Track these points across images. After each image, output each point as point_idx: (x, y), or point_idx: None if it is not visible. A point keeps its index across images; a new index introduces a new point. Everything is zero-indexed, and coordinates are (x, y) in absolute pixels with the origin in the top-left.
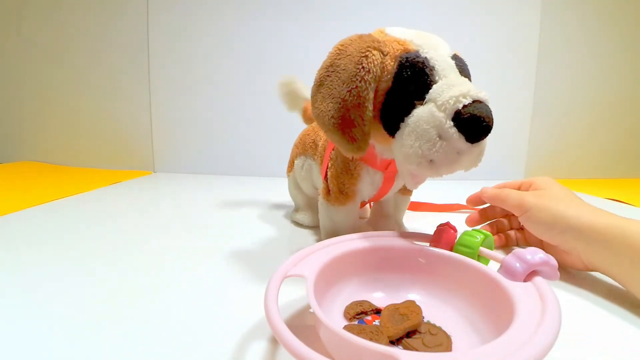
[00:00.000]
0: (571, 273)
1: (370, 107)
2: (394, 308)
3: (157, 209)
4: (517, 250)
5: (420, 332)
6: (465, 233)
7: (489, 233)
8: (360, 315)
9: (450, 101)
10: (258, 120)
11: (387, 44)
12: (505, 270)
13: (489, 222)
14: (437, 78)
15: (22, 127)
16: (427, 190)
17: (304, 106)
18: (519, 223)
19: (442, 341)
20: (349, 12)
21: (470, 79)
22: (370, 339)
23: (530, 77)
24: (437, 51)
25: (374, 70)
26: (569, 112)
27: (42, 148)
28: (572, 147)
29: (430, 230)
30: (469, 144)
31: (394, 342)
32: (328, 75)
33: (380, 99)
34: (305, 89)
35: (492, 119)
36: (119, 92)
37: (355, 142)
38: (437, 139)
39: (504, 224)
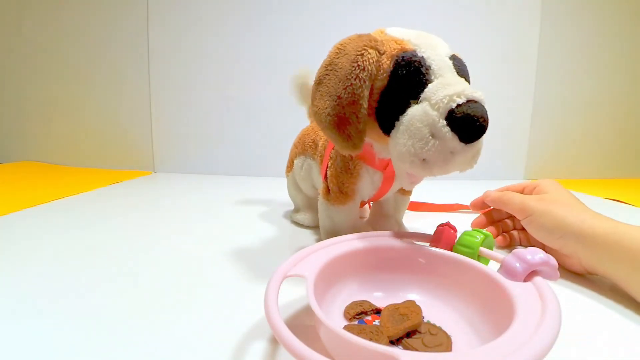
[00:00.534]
0: (571, 273)
1: (365, 105)
2: (394, 308)
3: (157, 209)
4: (517, 250)
5: (420, 332)
6: (465, 233)
7: (488, 233)
8: (360, 315)
9: (444, 100)
10: (258, 120)
11: (385, 43)
12: (505, 270)
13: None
14: (432, 77)
15: (23, 127)
16: (427, 190)
17: None
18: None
19: (442, 341)
20: (350, 13)
21: (468, 80)
22: (370, 339)
23: (530, 77)
24: (434, 51)
25: (369, 68)
26: (569, 112)
27: (42, 148)
28: (572, 147)
29: (430, 230)
30: (462, 144)
31: (394, 342)
32: (327, 74)
33: (376, 98)
34: None
35: (487, 119)
36: (119, 92)
37: (350, 139)
38: (430, 137)
39: (508, 225)
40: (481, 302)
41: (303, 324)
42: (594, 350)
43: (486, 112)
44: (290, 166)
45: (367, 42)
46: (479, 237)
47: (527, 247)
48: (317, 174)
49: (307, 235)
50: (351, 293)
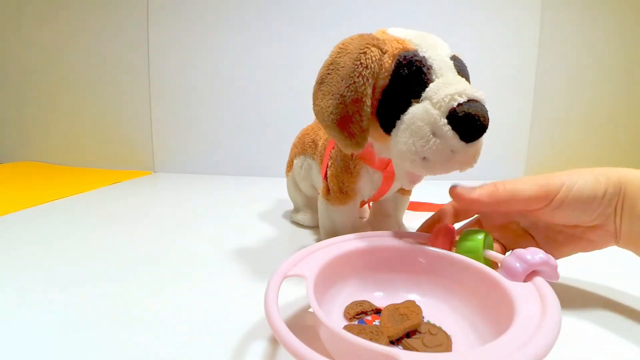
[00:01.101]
0: (568, 274)
1: (369, 103)
2: (394, 308)
3: (157, 209)
4: (517, 250)
5: (420, 332)
6: (464, 237)
7: (486, 231)
8: (360, 315)
9: (445, 99)
10: (258, 120)
11: (387, 43)
12: (506, 270)
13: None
14: (434, 77)
15: (23, 127)
16: (426, 190)
17: None
18: (517, 224)
19: (442, 341)
20: (351, 14)
21: (469, 81)
22: (370, 339)
23: (530, 77)
24: (435, 51)
25: (372, 66)
26: (569, 112)
27: (42, 148)
28: (572, 147)
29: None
30: (463, 143)
31: (394, 342)
32: (329, 73)
33: (378, 97)
34: None
35: (488, 119)
36: (119, 92)
37: (353, 138)
38: (431, 136)
39: (513, 230)
40: (481, 302)
41: (303, 324)
42: (594, 352)
43: (487, 111)
44: (290, 166)
45: (369, 40)
46: (480, 237)
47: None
48: (317, 173)
49: (307, 235)
50: (351, 293)
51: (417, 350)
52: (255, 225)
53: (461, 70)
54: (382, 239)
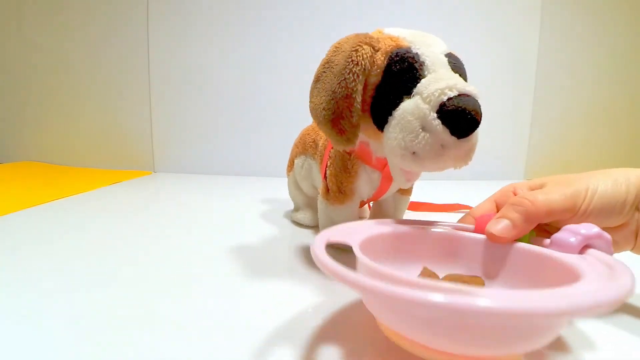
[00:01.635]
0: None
1: (359, 100)
2: (459, 276)
3: (157, 209)
4: (569, 226)
5: None
6: None
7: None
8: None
9: (435, 93)
10: (258, 120)
11: (380, 41)
12: (558, 245)
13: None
14: (426, 73)
15: (23, 127)
16: (426, 190)
17: None
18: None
19: None
20: (351, 15)
21: (465, 77)
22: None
23: (530, 77)
24: (429, 48)
25: (363, 63)
26: (569, 112)
27: (42, 148)
28: (572, 147)
29: None
30: (454, 138)
31: None
32: (324, 72)
33: (371, 94)
34: None
35: (480, 113)
36: (119, 93)
37: (344, 134)
38: (420, 130)
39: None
40: (541, 280)
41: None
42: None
43: (479, 106)
44: (290, 166)
45: (362, 39)
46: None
47: None
48: (317, 173)
49: (308, 234)
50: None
51: None
52: (255, 224)
53: (456, 67)
54: (420, 225)
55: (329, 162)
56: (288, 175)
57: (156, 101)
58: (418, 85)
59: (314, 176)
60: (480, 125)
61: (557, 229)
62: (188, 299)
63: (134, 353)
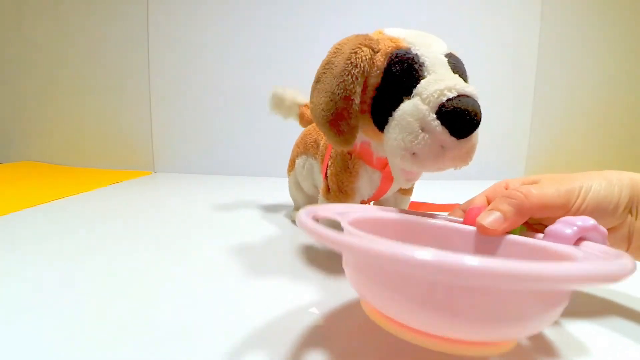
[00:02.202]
0: None
1: (357, 101)
2: None
3: (157, 209)
4: (564, 218)
5: None
6: None
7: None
8: None
9: (434, 94)
10: (258, 120)
11: (380, 42)
12: (553, 237)
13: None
14: (426, 74)
15: (23, 127)
16: (427, 190)
17: (299, 111)
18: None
19: None
20: (351, 13)
21: (465, 78)
22: None
23: (530, 77)
24: (429, 48)
25: (362, 65)
26: (569, 112)
27: (42, 148)
28: (572, 147)
29: None
30: (454, 139)
31: None
32: (324, 72)
33: (371, 95)
34: (296, 94)
35: (480, 114)
36: (119, 92)
37: (342, 134)
38: (420, 131)
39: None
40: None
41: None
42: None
43: (479, 106)
44: (291, 165)
45: (362, 40)
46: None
47: None
48: (319, 173)
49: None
50: None
51: None
52: (255, 224)
53: (456, 67)
54: (418, 217)
55: (330, 162)
56: (289, 175)
57: (156, 101)
58: (418, 86)
59: (315, 176)
60: (480, 125)
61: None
62: (188, 298)
63: (134, 352)
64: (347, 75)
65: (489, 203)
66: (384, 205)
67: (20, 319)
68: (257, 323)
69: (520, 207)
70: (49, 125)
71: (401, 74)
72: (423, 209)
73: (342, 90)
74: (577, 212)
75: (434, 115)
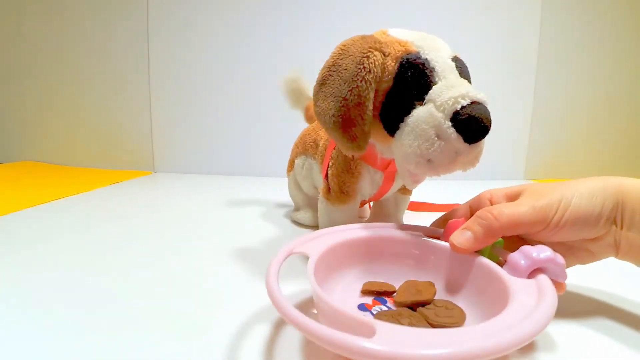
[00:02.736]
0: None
1: (370, 107)
2: (413, 283)
3: (157, 209)
4: (525, 247)
5: (436, 306)
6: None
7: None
8: (374, 294)
9: (449, 102)
10: (258, 120)
11: (389, 45)
12: (511, 266)
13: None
14: (437, 79)
15: (23, 127)
16: (427, 190)
17: (307, 105)
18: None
19: (455, 316)
20: (351, 13)
21: (470, 81)
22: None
23: (530, 77)
24: (437, 53)
25: (375, 70)
26: (569, 112)
27: (42, 148)
28: (572, 147)
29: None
30: (467, 145)
31: (412, 307)
32: (330, 75)
33: (381, 99)
34: (310, 87)
35: (490, 120)
36: (119, 92)
37: (355, 140)
38: (436, 138)
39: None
40: (481, 295)
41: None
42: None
43: (489, 113)
44: (291, 166)
45: (371, 44)
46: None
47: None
48: (318, 173)
49: (307, 234)
50: (355, 279)
51: (428, 318)
52: (255, 224)
53: (462, 71)
54: (391, 230)
55: (330, 162)
56: (288, 175)
57: (156, 101)
58: (430, 92)
59: (315, 176)
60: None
61: (532, 240)
62: (188, 298)
63: (133, 352)
64: (361, 82)
65: (472, 214)
66: (384, 205)
67: (20, 319)
68: (257, 323)
69: (489, 228)
70: (49, 125)
71: (412, 79)
72: (423, 209)
73: (355, 96)
74: (557, 227)
75: (450, 123)
